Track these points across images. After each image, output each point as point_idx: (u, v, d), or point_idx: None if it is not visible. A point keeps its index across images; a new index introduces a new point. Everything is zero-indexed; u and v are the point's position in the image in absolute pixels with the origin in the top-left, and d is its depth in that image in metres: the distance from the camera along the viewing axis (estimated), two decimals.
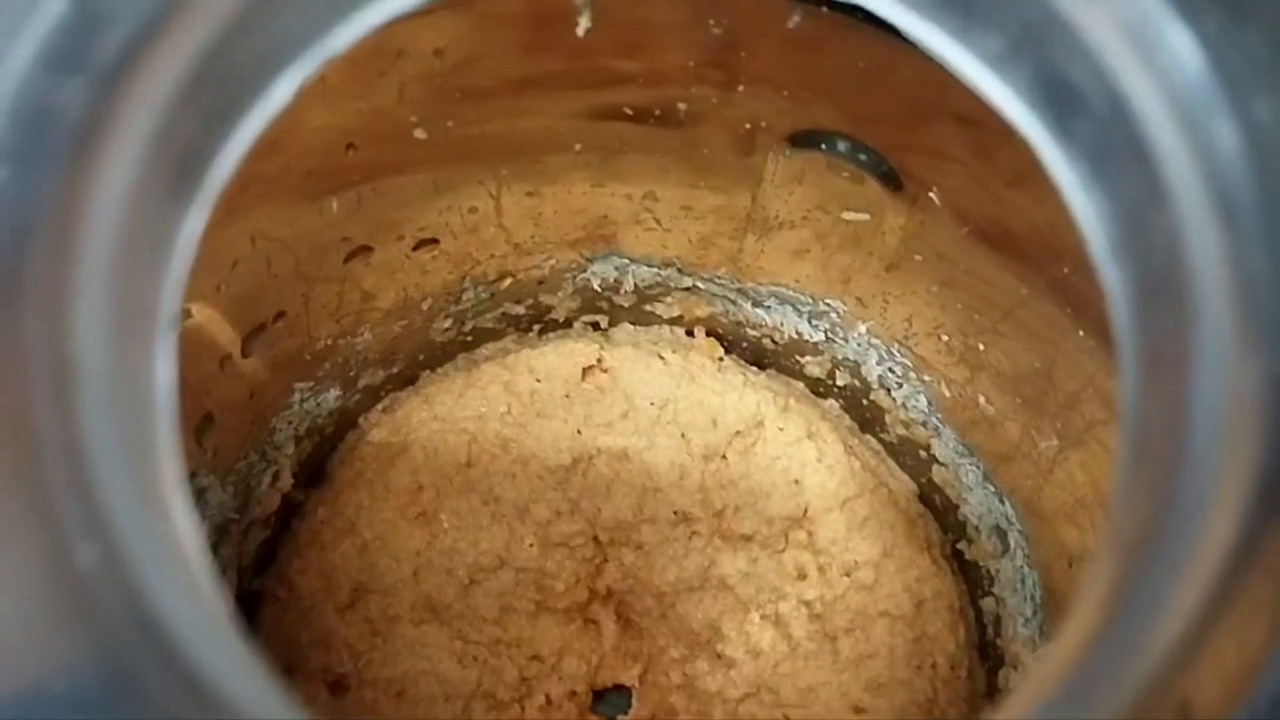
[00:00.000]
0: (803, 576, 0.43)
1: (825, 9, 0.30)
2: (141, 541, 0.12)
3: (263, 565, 0.42)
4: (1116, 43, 0.14)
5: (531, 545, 0.43)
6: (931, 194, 0.34)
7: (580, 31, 0.32)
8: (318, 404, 0.42)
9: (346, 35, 0.16)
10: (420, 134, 0.34)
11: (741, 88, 0.34)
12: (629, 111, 0.35)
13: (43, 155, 0.14)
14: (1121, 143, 0.15)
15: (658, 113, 0.35)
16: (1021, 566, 0.40)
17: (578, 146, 0.37)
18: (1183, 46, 0.14)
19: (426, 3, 0.16)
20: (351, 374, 0.42)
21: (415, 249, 0.39)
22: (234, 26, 0.14)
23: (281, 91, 0.16)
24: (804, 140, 0.35)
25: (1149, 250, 0.15)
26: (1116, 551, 0.18)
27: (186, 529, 0.13)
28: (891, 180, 0.35)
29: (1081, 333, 0.33)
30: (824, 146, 0.35)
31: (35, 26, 0.13)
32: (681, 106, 0.35)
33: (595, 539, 0.43)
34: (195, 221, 0.15)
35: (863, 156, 0.35)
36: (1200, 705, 0.18)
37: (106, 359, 0.12)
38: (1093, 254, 0.16)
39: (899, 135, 0.33)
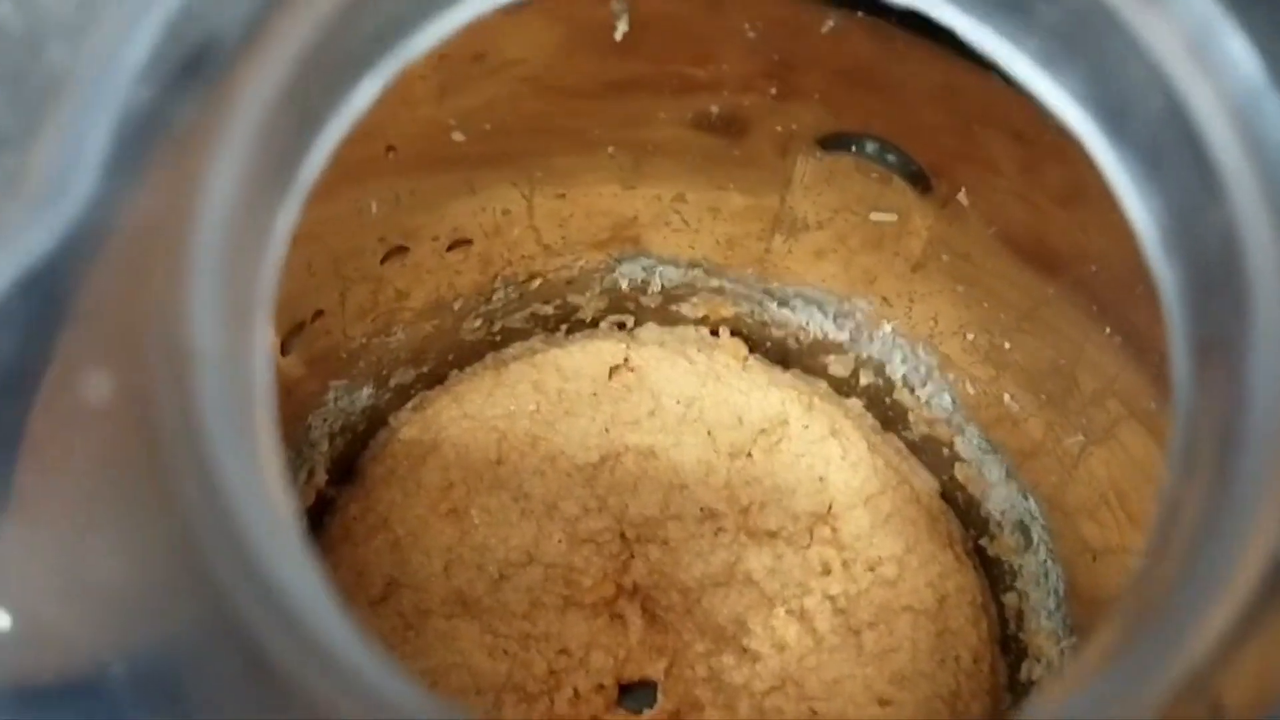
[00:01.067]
0: (827, 572, 0.44)
1: (860, 13, 0.31)
2: (250, 510, 0.13)
3: None
4: (1172, 44, 0.15)
5: (560, 541, 0.43)
6: (960, 195, 0.35)
7: (617, 36, 0.33)
8: (351, 401, 0.42)
9: (429, 37, 0.17)
10: (458, 136, 0.35)
11: (774, 91, 0.35)
12: (661, 115, 0.36)
13: (150, 161, 0.14)
14: (1175, 140, 0.16)
15: (690, 116, 0.36)
16: (1045, 561, 0.40)
17: (610, 149, 0.38)
18: (1237, 49, 0.15)
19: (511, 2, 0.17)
20: (384, 372, 0.43)
21: (449, 249, 0.40)
22: (329, 27, 0.15)
23: (365, 93, 0.17)
24: (834, 142, 0.36)
25: (1202, 245, 0.16)
26: (1164, 546, 0.18)
27: (285, 503, 0.14)
28: (920, 181, 0.35)
29: (1107, 330, 0.34)
30: (854, 148, 0.36)
31: (141, 34, 0.14)
32: (714, 110, 0.36)
33: (622, 535, 0.44)
34: (287, 217, 0.16)
35: (891, 158, 0.36)
36: (1232, 706, 0.18)
37: (219, 345, 0.13)
38: (1145, 250, 0.16)
39: (929, 137, 0.34)
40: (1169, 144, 0.16)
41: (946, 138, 0.33)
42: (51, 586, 0.18)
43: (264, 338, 0.15)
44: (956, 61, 0.31)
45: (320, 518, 0.43)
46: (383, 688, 0.13)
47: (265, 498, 0.13)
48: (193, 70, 0.14)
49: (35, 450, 0.15)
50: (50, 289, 0.14)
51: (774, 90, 0.35)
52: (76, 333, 0.15)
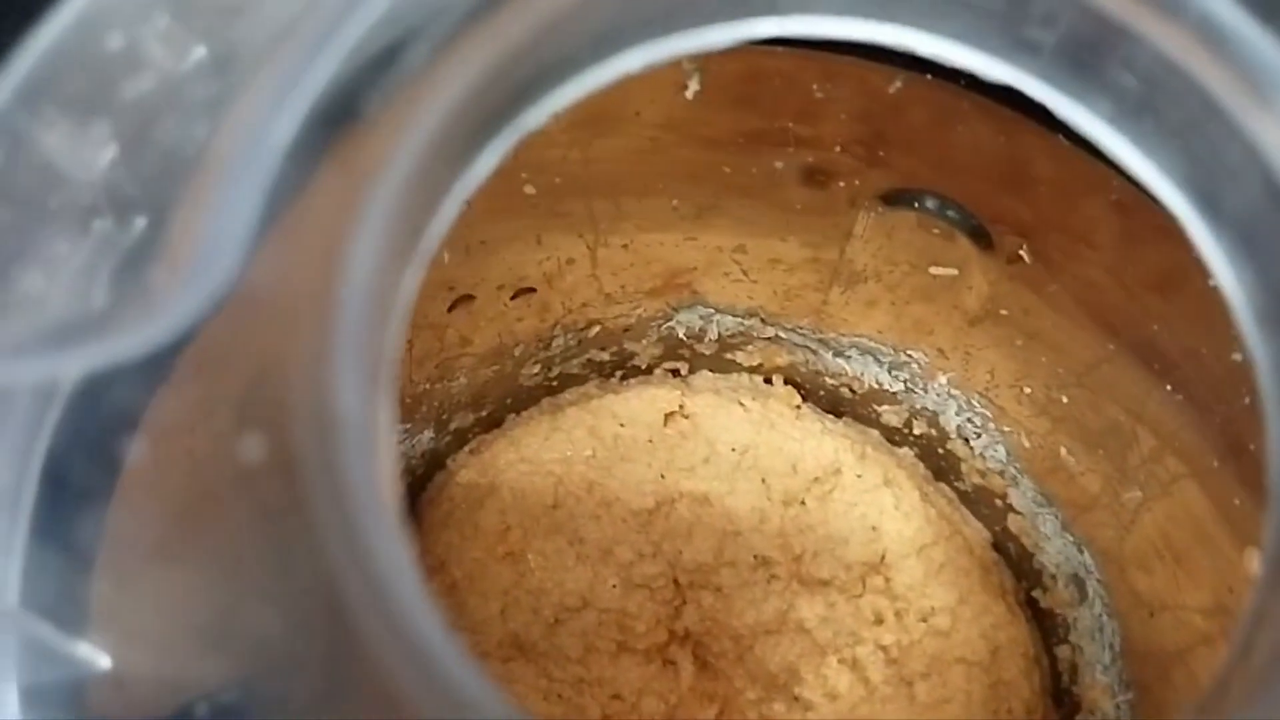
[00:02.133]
0: (880, 621, 0.44)
1: (929, 75, 0.31)
2: (386, 558, 0.14)
3: None
4: (1270, 129, 0.16)
5: (614, 586, 0.44)
6: (1021, 252, 0.35)
7: (689, 94, 0.33)
8: (412, 445, 0.43)
9: (544, 111, 0.18)
10: (530, 189, 0.36)
11: (839, 148, 0.35)
12: (727, 170, 0.37)
13: (288, 228, 0.15)
14: (1271, 216, 0.16)
15: (754, 171, 0.37)
16: (1100, 615, 0.41)
17: (675, 202, 0.38)
18: None
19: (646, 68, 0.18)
20: (444, 416, 0.44)
21: (513, 297, 0.40)
22: (459, 109, 0.16)
23: (485, 164, 0.18)
24: (896, 198, 0.37)
25: None
26: (1245, 655, 0.18)
27: (405, 548, 0.15)
28: (981, 237, 0.36)
29: (1168, 388, 0.34)
30: (915, 204, 0.36)
31: (287, 114, 0.15)
32: (778, 166, 0.36)
33: (675, 581, 0.44)
34: (412, 281, 0.17)
35: (953, 214, 0.36)
36: None
37: (358, 411, 0.14)
38: (1240, 325, 0.17)
39: (991, 195, 0.35)
40: (1264, 219, 0.16)
41: (1008, 196, 0.34)
42: (166, 628, 0.18)
43: (390, 399, 0.15)
44: (1021, 122, 0.32)
45: None
46: None
47: (395, 546, 0.14)
48: (331, 147, 0.15)
49: (172, 505, 0.15)
50: (189, 350, 0.15)
51: (838, 147, 0.35)
52: (214, 391, 0.16)
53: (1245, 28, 0.16)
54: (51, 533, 0.18)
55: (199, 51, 0.19)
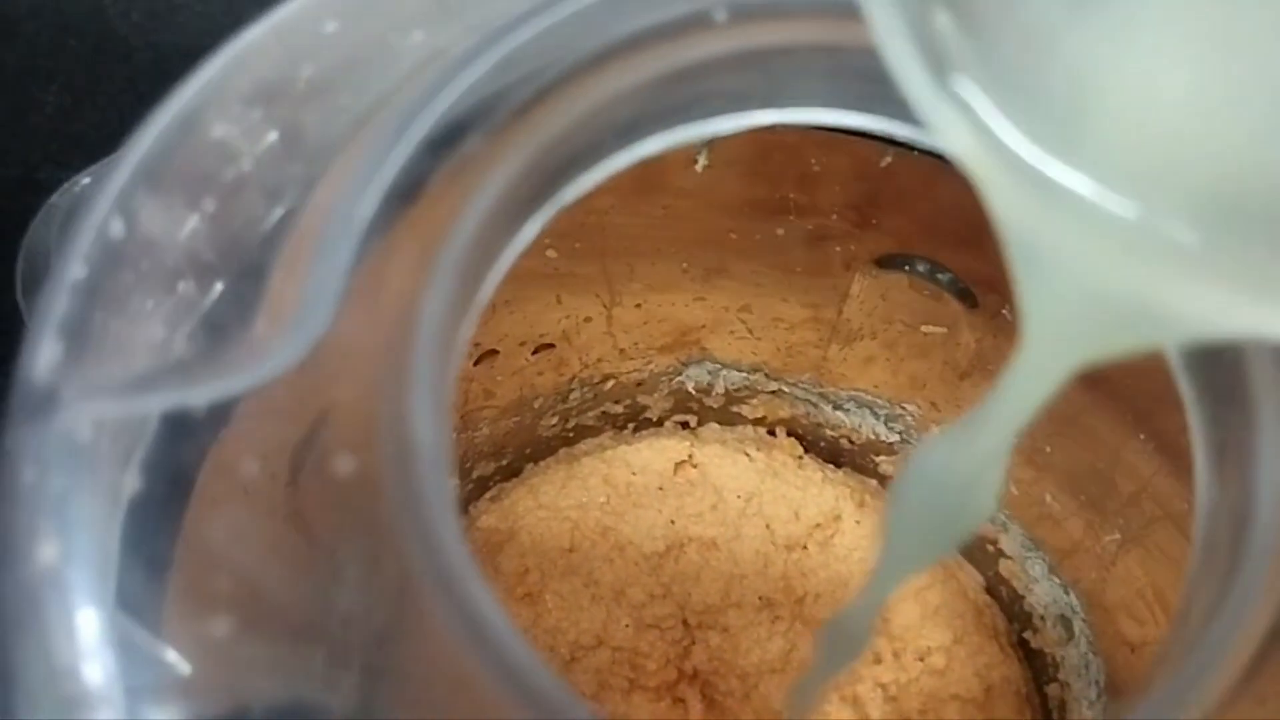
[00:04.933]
0: (878, 661, 0.46)
1: (915, 152, 0.35)
2: (458, 562, 0.16)
3: None
4: None
5: (627, 626, 0.46)
6: (1004, 311, 0.38)
7: (699, 167, 0.37)
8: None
9: (583, 185, 0.21)
10: (551, 254, 0.39)
11: (835, 216, 0.39)
12: (733, 237, 0.40)
13: (367, 284, 0.18)
14: None
15: (758, 238, 0.40)
16: (1086, 654, 0.43)
17: (684, 265, 0.42)
18: None
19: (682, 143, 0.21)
20: (467, 465, 0.46)
21: (534, 353, 0.44)
22: (512, 185, 0.19)
23: (530, 230, 0.21)
24: (889, 262, 0.40)
25: (1216, 365, 0.19)
26: (1184, 620, 0.21)
27: (466, 554, 0.18)
28: (968, 299, 0.39)
29: (1142, 436, 0.37)
30: (907, 268, 0.40)
31: (370, 195, 0.18)
32: (780, 232, 0.40)
33: (685, 622, 0.47)
34: (467, 331, 0.20)
35: (941, 277, 0.39)
36: None
37: (430, 437, 0.17)
38: (1171, 367, 0.20)
39: (976, 260, 0.38)
40: None
41: (990, 261, 0.37)
42: (242, 632, 0.21)
43: (449, 429, 0.18)
44: None
45: None
46: None
47: (460, 548, 0.17)
48: (400, 217, 0.18)
49: (239, 520, 0.18)
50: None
51: (835, 215, 0.38)
52: (287, 421, 0.19)
53: None
54: (138, 546, 0.21)
55: (272, 136, 0.23)
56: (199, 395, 0.17)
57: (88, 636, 0.19)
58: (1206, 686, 0.19)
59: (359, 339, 0.17)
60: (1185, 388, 0.20)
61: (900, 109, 0.22)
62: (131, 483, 0.20)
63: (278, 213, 0.21)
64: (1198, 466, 0.20)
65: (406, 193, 0.19)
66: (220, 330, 0.20)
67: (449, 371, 0.18)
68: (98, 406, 0.17)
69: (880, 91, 0.22)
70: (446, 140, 0.19)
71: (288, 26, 0.23)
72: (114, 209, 0.21)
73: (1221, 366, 0.19)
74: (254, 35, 0.24)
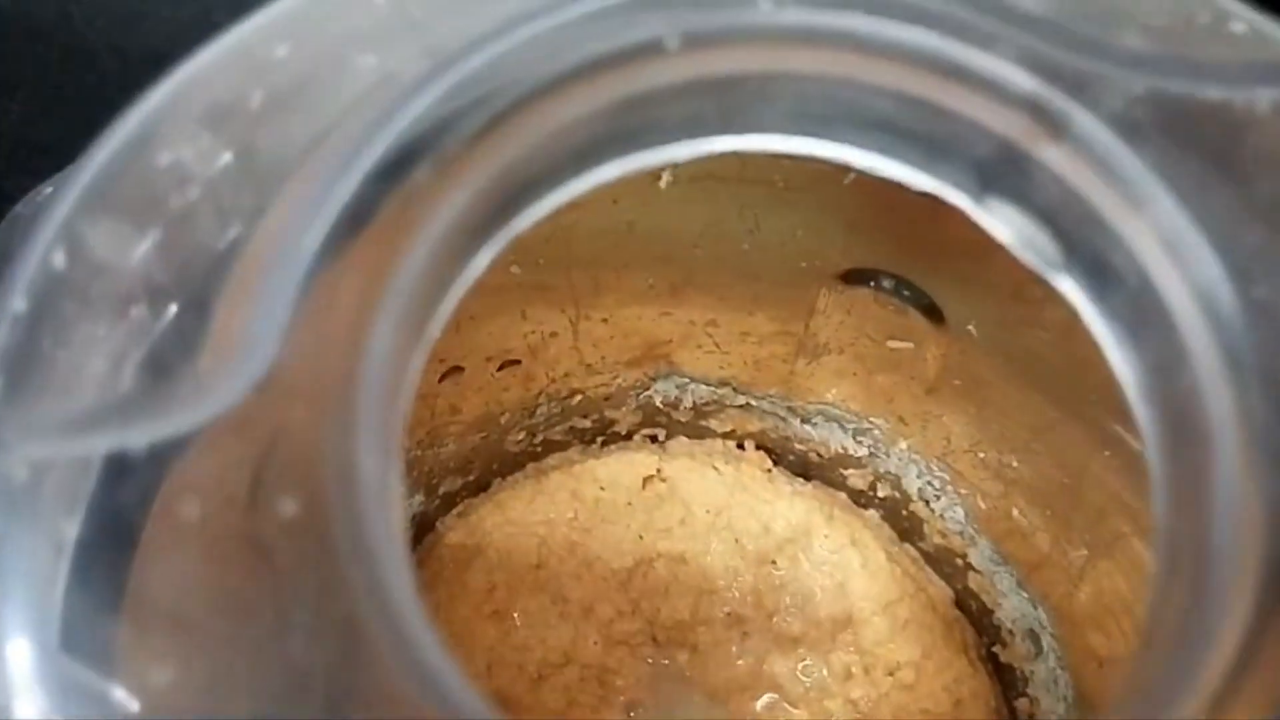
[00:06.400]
0: (849, 676, 0.46)
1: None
2: (402, 599, 0.16)
3: None
4: (1151, 246, 0.19)
5: (596, 643, 0.46)
6: (970, 327, 0.38)
7: (662, 184, 0.37)
8: (404, 510, 0.45)
9: (537, 212, 0.20)
10: (515, 270, 0.39)
11: (799, 232, 0.38)
12: (698, 251, 0.40)
13: (314, 317, 0.18)
14: (1150, 314, 0.19)
15: (723, 252, 0.40)
16: (1054, 668, 0.43)
17: (650, 280, 0.41)
18: (1203, 251, 0.18)
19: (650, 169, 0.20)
20: (434, 481, 0.46)
21: (500, 369, 0.43)
22: (462, 214, 0.19)
23: (482, 260, 0.20)
24: (854, 277, 0.40)
25: (1174, 400, 0.19)
26: (1151, 647, 0.21)
27: (412, 591, 0.17)
28: (933, 314, 0.39)
29: (1107, 453, 0.37)
30: (872, 283, 0.40)
31: (319, 224, 0.18)
32: (745, 247, 0.39)
33: (654, 638, 0.47)
34: (418, 364, 0.19)
35: (906, 293, 0.39)
36: None
37: (376, 475, 0.16)
38: (1128, 398, 0.20)
39: (941, 276, 0.38)
40: (1145, 315, 0.19)
41: (955, 277, 0.37)
42: (188, 675, 0.21)
43: (400, 464, 0.18)
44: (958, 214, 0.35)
45: None
46: None
47: (407, 584, 0.16)
48: (348, 247, 0.18)
49: (192, 559, 0.18)
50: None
51: (800, 231, 0.38)
52: (233, 458, 0.19)
53: (1118, 147, 0.19)
54: (84, 590, 0.21)
55: (223, 160, 0.22)
56: (140, 436, 0.17)
57: (19, 674, 0.18)
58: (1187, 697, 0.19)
59: (304, 376, 0.17)
60: (1143, 419, 0.20)
61: (859, 136, 0.22)
62: (73, 527, 0.19)
63: (228, 239, 0.21)
64: (1156, 497, 0.20)
65: (355, 223, 0.18)
66: (166, 364, 0.20)
67: (399, 406, 0.18)
68: (36, 448, 0.17)
69: (837, 116, 0.22)
70: (395, 169, 0.19)
71: (239, 48, 0.23)
72: (58, 237, 0.21)
73: (1179, 402, 0.19)
74: (204, 58, 0.23)
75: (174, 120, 0.22)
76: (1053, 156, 0.20)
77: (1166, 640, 0.21)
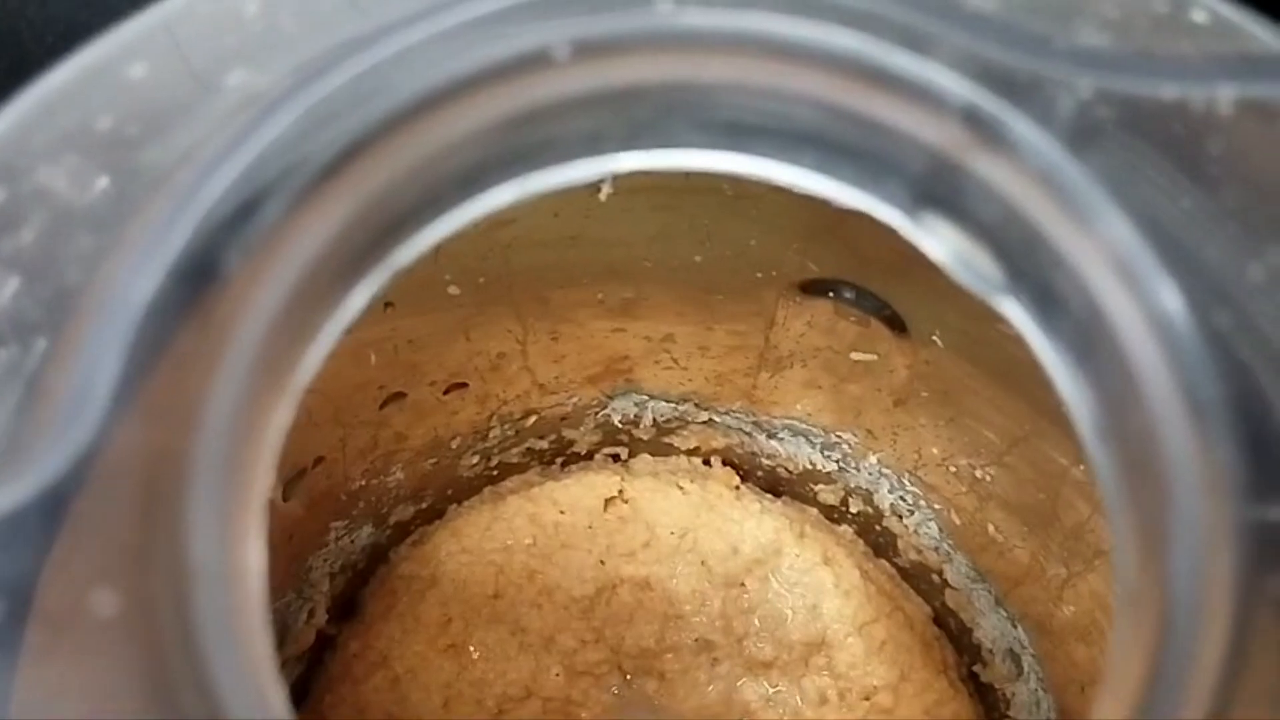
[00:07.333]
0: (824, 702, 0.44)
1: None
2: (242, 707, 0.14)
3: (296, 701, 0.43)
4: (1100, 269, 0.16)
5: (558, 675, 0.44)
6: (935, 337, 0.36)
7: (602, 196, 0.34)
8: (352, 541, 0.43)
9: (418, 246, 0.18)
10: (454, 290, 0.36)
11: (753, 242, 0.36)
12: (647, 264, 0.38)
13: (150, 384, 0.16)
14: (1100, 345, 0.17)
15: (674, 264, 0.38)
16: (1036, 690, 0.41)
17: (599, 295, 0.39)
18: (1157, 273, 0.16)
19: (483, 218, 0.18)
20: (384, 510, 0.44)
21: (446, 393, 0.41)
22: (322, 253, 0.16)
23: (357, 301, 0.18)
24: (813, 288, 0.38)
25: (1130, 439, 0.17)
26: (1116, 686, 0.19)
27: (279, 705, 0.15)
28: (896, 324, 0.37)
29: (1084, 466, 0.35)
30: (831, 294, 0.37)
31: (151, 270, 0.16)
32: (698, 259, 0.37)
33: (619, 668, 0.45)
34: (281, 421, 0.17)
35: (867, 303, 0.37)
36: None
37: (217, 562, 0.14)
38: (1081, 435, 0.18)
39: (902, 285, 0.36)
40: (1096, 347, 0.17)
41: (917, 286, 0.35)
42: None
43: (259, 545, 0.16)
44: None
45: (320, 655, 0.44)
46: None
47: (260, 704, 0.14)
48: (193, 305, 0.16)
49: (40, 661, 0.16)
50: (56, 507, 0.15)
51: (753, 241, 0.36)
52: (80, 548, 0.16)
53: (1062, 158, 0.17)
54: None
55: (102, 181, 0.20)
56: None
57: None
58: None
59: (132, 449, 0.15)
60: (1099, 458, 0.18)
61: (779, 150, 0.20)
62: None
63: (70, 283, 0.18)
64: (1114, 544, 0.18)
65: (195, 271, 0.16)
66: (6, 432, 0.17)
67: (257, 471, 0.16)
68: None
69: (754, 129, 0.20)
70: (241, 208, 0.16)
71: (97, 68, 0.21)
72: None
73: (1133, 433, 0.17)
74: (56, 80, 0.21)
75: (22, 150, 0.20)
76: (990, 169, 0.17)
77: (1130, 692, 0.18)
